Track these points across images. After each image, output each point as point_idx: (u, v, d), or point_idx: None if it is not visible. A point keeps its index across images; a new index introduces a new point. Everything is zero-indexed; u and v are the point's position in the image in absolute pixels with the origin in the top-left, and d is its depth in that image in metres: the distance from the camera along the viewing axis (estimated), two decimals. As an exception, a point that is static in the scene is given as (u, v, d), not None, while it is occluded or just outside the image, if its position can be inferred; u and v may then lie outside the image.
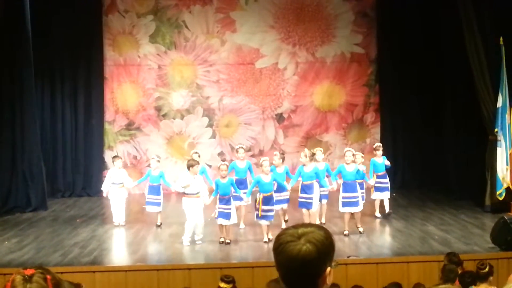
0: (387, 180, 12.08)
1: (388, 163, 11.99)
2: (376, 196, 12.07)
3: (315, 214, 10.79)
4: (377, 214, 12.08)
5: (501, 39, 11.89)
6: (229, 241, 10.29)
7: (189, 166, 10.40)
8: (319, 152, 11.41)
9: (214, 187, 10.50)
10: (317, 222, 10.93)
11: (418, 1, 15.23)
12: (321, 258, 2.24)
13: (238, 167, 11.60)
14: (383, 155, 12.11)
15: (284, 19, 15.94)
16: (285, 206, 11.30)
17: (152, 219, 11.86)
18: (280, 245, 2.27)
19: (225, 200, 10.23)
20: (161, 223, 11.67)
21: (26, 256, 9.59)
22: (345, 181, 10.93)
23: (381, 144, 12.56)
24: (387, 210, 12.03)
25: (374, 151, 12.33)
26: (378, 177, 12.00)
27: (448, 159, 14.58)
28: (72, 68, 15.39)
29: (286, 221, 11.21)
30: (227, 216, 10.20)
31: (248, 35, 15.89)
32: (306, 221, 10.65)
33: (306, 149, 11.28)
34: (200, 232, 10.39)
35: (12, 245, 10.35)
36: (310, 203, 10.63)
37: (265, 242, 10.26)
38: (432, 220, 11.82)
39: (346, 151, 11.29)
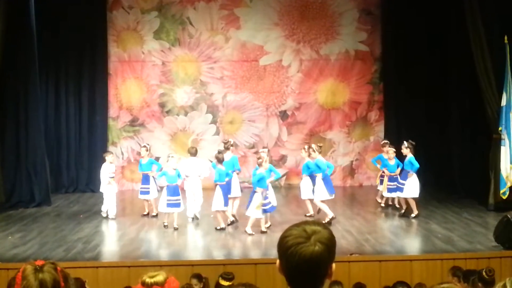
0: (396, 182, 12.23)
1: (411, 167, 11.96)
2: (386, 194, 12.48)
3: (316, 205, 11.34)
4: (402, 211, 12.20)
5: (505, 38, 11.89)
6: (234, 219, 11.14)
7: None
8: (303, 150, 11.84)
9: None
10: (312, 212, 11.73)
11: (422, -1, 15.21)
12: (330, 257, 2.23)
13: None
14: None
15: (289, 16, 15.92)
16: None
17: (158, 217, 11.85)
18: (290, 248, 2.19)
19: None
20: (177, 227, 11.07)
21: (30, 251, 9.60)
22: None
23: (391, 148, 12.60)
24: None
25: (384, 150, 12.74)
26: (389, 177, 12.37)
27: (452, 158, 14.56)
28: (76, 64, 15.42)
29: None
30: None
31: (252, 32, 15.88)
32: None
33: (313, 145, 11.82)
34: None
35: (16, 240, 10.38)
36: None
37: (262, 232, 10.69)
38: (435, 218, 11.82)
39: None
